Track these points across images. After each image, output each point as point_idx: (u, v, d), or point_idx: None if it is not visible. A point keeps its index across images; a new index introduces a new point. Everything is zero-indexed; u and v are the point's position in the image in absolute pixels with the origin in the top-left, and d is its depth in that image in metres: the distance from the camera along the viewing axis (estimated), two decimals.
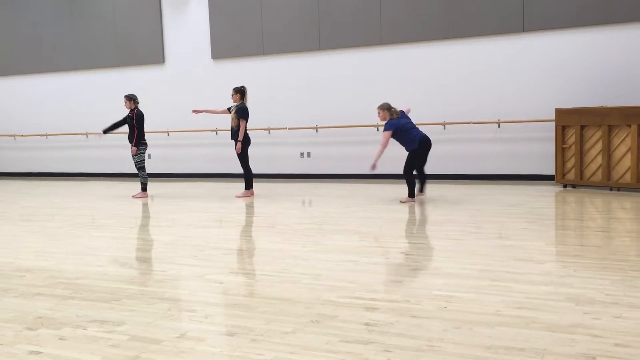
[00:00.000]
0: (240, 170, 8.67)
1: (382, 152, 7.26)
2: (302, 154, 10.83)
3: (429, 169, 8.03)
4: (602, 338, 2.74)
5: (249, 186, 8.51)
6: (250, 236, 5.75)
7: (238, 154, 8.31)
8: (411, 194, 7.47)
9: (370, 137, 10.23)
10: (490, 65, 9.39)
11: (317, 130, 10.63)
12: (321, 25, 10.34)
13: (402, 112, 7.54)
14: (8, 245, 5.45)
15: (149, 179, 9.32)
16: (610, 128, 7.87)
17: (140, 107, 8.84)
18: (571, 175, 8.34)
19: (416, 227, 5.92)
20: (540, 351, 2.61)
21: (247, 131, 8.37)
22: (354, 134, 10.40)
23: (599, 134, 7.99)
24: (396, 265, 4.35)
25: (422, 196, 7.74)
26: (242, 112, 8.26)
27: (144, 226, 6.54)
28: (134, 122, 8.55)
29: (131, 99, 8.68)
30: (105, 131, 9.00)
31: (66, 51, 12.42)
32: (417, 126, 7.55)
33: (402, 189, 8.22)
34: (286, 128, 10.77)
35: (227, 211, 7.26)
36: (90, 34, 12.15)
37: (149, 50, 11.73)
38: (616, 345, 2.66)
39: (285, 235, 5.54)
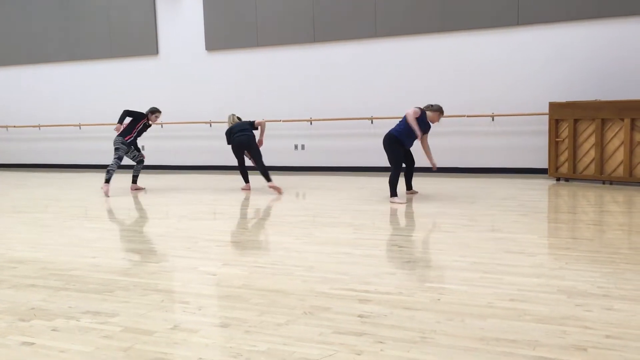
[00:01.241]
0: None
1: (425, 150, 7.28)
2: (296, 147, 10.82)
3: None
4: (594, 330, 2.76)
5: (245, 180, 8.57)
6: (244, 228, 5.75)
7: None
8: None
9: (365, 130, 10.24)
10: (484, 58, 9.40)
11: (311, 123, 10.62)
12: (316, 17, 10.31)
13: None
14: (1, 237, 5.43)
15: (141, 171, 9.17)
16: (603, 122, 7.90)
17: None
18: (564, 169, 8.37)
19: (409, 220, 5.93)
20: (531, 343, 2.63)
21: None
22: (348, 126, 10.40)
23: (592, 127, 8.01)
24: (389, 257, 4.36)
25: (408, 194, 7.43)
26: None
27: (138, 218, 6.52)
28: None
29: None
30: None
31: (59, 42, 12.34)
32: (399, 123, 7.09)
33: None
34: (280, 120, 10.75)
35: (221, 203, 7.25)
36: (83, 24, 12.08)
37: (142, 41, 11.67)
38: (607, 337, 2.68)
39: (279, 227, 5.55)
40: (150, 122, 8.45)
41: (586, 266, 3.88)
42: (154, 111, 8.43)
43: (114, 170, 8.22)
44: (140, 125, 8.37)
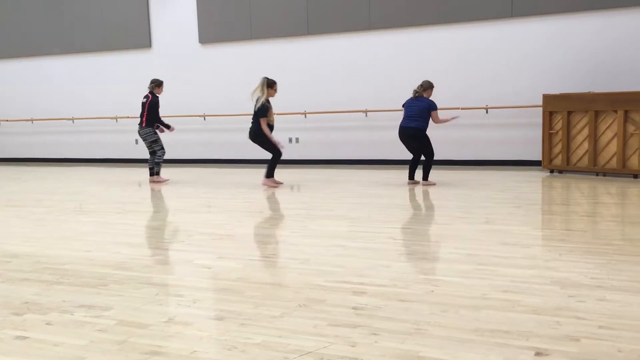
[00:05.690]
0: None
1: None
2: (290, 140, 10.80)
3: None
4: (587, 320, 2.78)
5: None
6: (239, 221, 5.74)
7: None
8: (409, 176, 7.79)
9: (359, 123, 10.23)
10: (478, 50, 9.39)
11: (305, 116, 10.60)
12: (310, 10, 10.27)
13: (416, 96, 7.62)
14: None
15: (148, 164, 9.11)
16: (597, 114, 7.91)
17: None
18: (558, 161, 8.40)
19: (404, 212, 5.94)
20: (525, 333, 2.64)
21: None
22: (342, 119, 10.38)
23: (585, 119, 8.03)
24: (384, 249, 4.37)
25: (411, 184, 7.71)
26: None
27: (132, 211, 6.50)
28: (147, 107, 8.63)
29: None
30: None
31: (52, 35, 12.26)
32: (409, 113, 7.53)
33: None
34: (274, 113, 10.71)
35: (216, 196, 7.24)
36: (76, 17, 12.00)
37: (135, 34, 11.60)
38: (600, 327, 2.69)
39: (274, 220, 5.54)
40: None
41: (580, 257, 3.89)
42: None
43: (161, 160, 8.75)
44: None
